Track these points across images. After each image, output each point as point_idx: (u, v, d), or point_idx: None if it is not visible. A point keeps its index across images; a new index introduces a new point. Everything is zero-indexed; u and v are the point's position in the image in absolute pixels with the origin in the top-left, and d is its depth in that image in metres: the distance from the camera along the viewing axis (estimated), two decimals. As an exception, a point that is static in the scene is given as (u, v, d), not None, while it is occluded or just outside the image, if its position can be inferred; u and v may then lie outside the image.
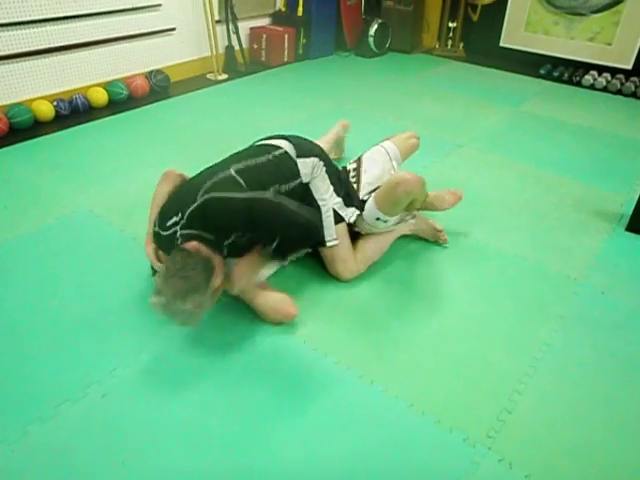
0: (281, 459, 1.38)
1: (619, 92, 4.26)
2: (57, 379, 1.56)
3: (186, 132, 3.22)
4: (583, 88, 4.37)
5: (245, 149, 2.01)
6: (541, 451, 1.43)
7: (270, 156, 1.90)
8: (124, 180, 2.64)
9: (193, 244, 1.61)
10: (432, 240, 2.27)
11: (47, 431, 1.41)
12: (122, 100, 3.60)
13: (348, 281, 2.01)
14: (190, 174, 1.89)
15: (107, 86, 3.55)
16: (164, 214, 1.77)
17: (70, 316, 1.80)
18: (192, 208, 1.65)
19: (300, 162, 1.93)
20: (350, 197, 2.06)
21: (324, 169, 1.99)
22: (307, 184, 1.97)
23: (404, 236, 2.25)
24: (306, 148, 2.00)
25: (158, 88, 3.81)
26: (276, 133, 2.07)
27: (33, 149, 2.93)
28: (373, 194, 2.02)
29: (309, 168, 1.95)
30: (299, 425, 1.47)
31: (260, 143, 2.03)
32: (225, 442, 1.41)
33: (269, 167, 1.87)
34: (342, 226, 2.00)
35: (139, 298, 1.89)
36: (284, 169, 1.90)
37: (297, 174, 1.92)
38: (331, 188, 2.00)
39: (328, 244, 1.97)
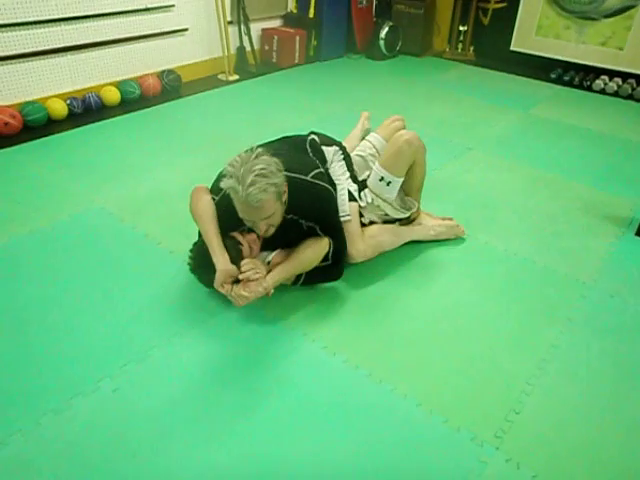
0: (288, 456, 1.39)
1: (630, 97, 4.25)
2: (69, 373, 1.59)
3: (197, 132, 3.24)
4: (594, 93, 4.36)
5: (286, 138, 2.15)
6: (548, 452, 1.43)
7: (312, 148, 2.09)
8: (136, 178, 2.67)
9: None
10: (453, 238, 2.32)
11: (60, 423, 1.44)
12: (134, 99, 3.63)
13: (356, 261, 2.05)
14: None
15: (120, 85, 3.59)
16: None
17: (82, 311, 1.82)
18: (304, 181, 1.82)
19: (325, 149, 2.13)
20: (363, 184, 2.17)
21: (342, 156, 2.16)
22: (327, 169, 2.11)
23: (409, 242, 2.26)
24: (328, 139, 2.21)
25: (170, 88, 3.84)
26: (289, 134, 2.18)
27: (47, 147, 2.97)
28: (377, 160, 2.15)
29: (331, 155, 2.14)
30: (307, 423, 1.48)
31: (288, 135, 2.19)
32: (234, 438, 1.43)
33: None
34: (354, 205, 2.09)
35: (150, 295, 1.91)
36: (322, 157, 2.11)
37: (325, 161, 2.11)
38: (347, 173, 2.14)
39: (341, 219, 2.02)
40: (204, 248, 1.79)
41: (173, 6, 3.83)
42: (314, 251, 1.84)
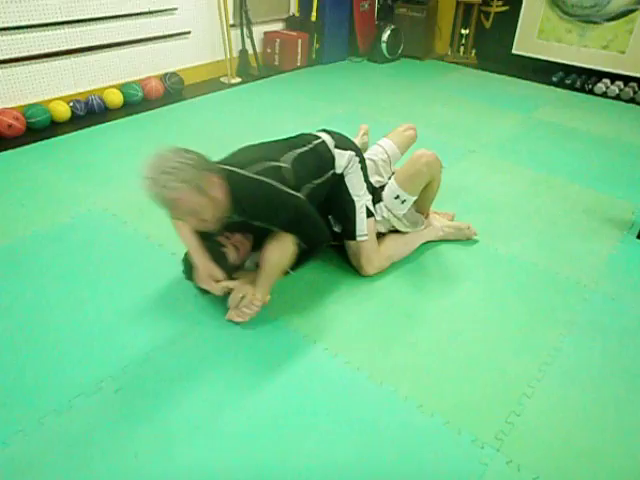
0: (288, 458, 1.39)
1: (632, 100, 4.25)
2: (71, 373, 1.59)
3: (199, 134, 3.25)
4: (595, 96, 4.37)
5: (290, 137, 2.04)
6: (549, 454, 1.43)
7: (311, 145, 1.96)
8: (138, 180, 2.66)
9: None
10: (464, 239, 2.33)
11: (62, 423, 1.44)
12: (137, 101, 3.65)
13: (368, 275, 2.05)
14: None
15: (122, 88, 3.60)
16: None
17: (84, 312, 1.83)
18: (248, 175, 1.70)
19: (337, 153, 2.00)
20: (376, 194, 2.12)
21: (359, 165, 2.05)
22: (340, 175, 2.02)
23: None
24: (344, 141, 2.07)
25: (172, 90, 3.86)
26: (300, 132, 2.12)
27: (50, 149, 2.98)
28: (394, 175, 2.11)
29: (345, 161, 2.01)
30: (308, 424, 1.48)
31: (302, 133, 2.09)
32: (234, 438, 1.43)
33: (308, 159, 1.92)
34: (371, 221, 2.06)
35: (152, 296, 1.92)
36: (319, 160, 1.97)
37: (332, 165, 1.99)
38: (365, 185, 2.06)
39: (358, 239, 2.01)
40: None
41: (176, 9, 3.85)
42: (281, 254, 1.78)
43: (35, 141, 3.04)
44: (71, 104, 3.33)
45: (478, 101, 4.11)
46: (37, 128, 3.16)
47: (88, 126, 3.27)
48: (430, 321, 1.88)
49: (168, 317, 1.83)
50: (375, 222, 2.09)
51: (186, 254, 1.91)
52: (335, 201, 2.04)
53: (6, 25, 3.00)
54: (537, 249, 2.31)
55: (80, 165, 2.81)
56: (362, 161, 2.08)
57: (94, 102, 3.43)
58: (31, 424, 1.43)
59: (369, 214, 2.05)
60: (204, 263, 1.81)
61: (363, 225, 2.02)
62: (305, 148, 1.95)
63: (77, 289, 1.94)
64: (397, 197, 2.05)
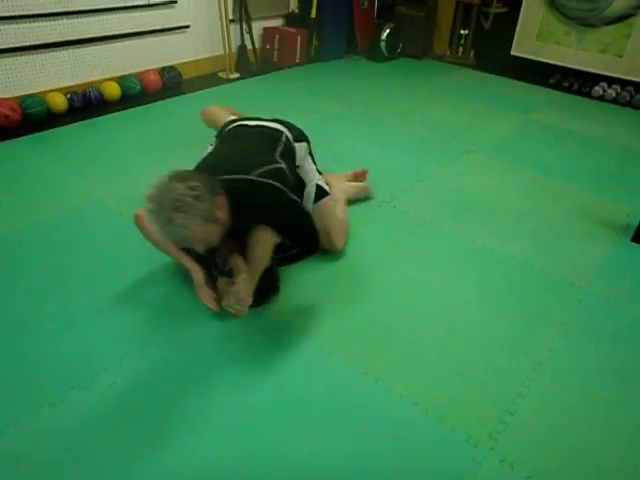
0: (282, 454, 1.40)
1: (628, 104, 4.28)
2: (67, 365, 1.59)
3: (196, 128, 3.22)
4: (592, 99, 4.39)
5: (255, 134, 2.01)
6: (542, 453, 1.44)
7: (283, 140, 1.98)
8: (135, 173, 2.67)
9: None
10: (364, 197, 2.53)
11: (57, 415, 1.44)
12: (135, 95, 3.63)
13: (339, 249, 2.13)
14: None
15: (120, 80, 3.58)
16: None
17: (80, 305, 1.82)
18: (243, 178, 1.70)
19: (297, 146, 2.06)
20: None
21: (309, 151, 2.16)
22: (297, 166, 2.09)
23: (409, 242, 2.27)
24: (298, 132, 2.13)
25: (170, 84, 3.84)
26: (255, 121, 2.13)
27: (46, 140, 2.96)
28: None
29: (303, 152, 2.10)
30: (302, 421, 1.49)
31: (262, 124, 2.07)
32: (229, 434, 1.43)
33: (286, 155, 1.94)
34: (328, 199, 2.14)
35: (149, 289, 1.92)
36: (292, 155, 2.01)
37: (294, 158, 2.04)
38: (314, 167, 2.18)
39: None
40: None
41: (175, 2, 3.83)
42: (262, 247, 1.72)
43: (32, 132, 3.02)
44: (68, 96, 3.31)
45: (476, 102, 4.12)
46: (34, 119, 3.14)
47: (85, 118, 3.26)
48: (426, 320, 1.88)
49: (164, 311, 1.83)
50: (331, 199, 2.17)
51: None
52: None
53: (4, 15, 2.98)
54: (533, 250, 2.32)
55: (77, 157, 2.79)
56: (310, 146, 2.19)
57: (92, 94, 3.41)
58: (25, 417, 1.43)
59: (324, 193, 2.13)
60: (200, 280, 1.82)
61: (310, 204, 2.10)
62: (281, 145, 1.94)
63: (73, 281, 1.93)
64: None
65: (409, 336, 1.81)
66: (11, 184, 2.50)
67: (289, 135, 2.04)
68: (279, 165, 1.82)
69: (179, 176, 1.55)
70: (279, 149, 1.92)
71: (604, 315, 1.97)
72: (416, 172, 2.93)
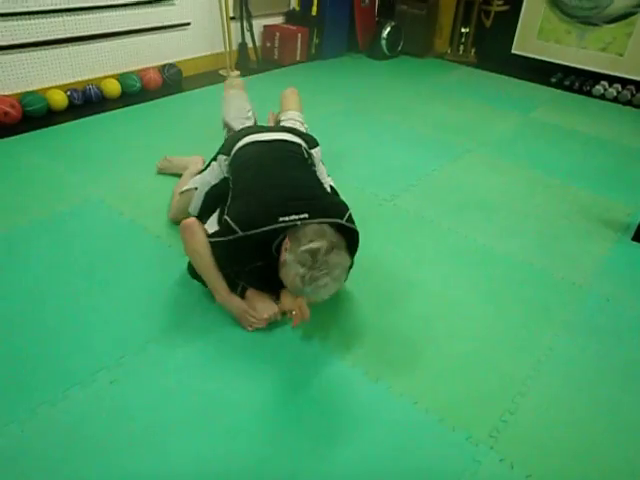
0: (282, 453, 1.40)
1: (629, 103, 4.27)
2: (66, 364, 1.58)
3: (197, 126, 3.24)
4: (593, 98, 4.38)
5: (286, 158, 1.96)
6: (542, 453, 1.44)
7: (310, 161, 2.04)
8: (135, 171, 2.67)
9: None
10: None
11: (56, 413, 1.43)
12: (135, 92, 3.62)
13: None
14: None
15: (120, 78, 3.57)
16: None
17: (79, 302, 1.82)
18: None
19: (313, 152, 2.12)
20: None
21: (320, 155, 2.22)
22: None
23: (409, 241, 2.26)
24: (309, 138, 2.18)
25: (170, 82, 3.84)
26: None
27: (46, 137, 2.95)
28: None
29: (318, 157, 2.16)
30: (301, 420, 1.49)
31: (279, 139, 2.03)
32: (228, 433, 1.43)
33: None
34: None
35: (149, 288, 1.91)
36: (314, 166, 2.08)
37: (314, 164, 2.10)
38: (324, 169, 2.20)
39: None
40: None
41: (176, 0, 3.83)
42: None
43: (32, 129, 3.01)
44: (68, 93, 3.30)
45: (477, 100, 4.12)
46: (34, 116, 3.13)
47: (85, 115, 3.25)
48: (426, 319, 1.88)
49: (164, 308, 1.83)
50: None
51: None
52: None
53: (4, 11, 2.97)
54: (533, 249, 2.32)
55: (77, 154, 2.79)
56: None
57: (92, 91, 3.40)
58: (25, 414, 1.43)
59: (336, 194, 2.17)
60: (241, 304, 1.77)
61: None
62: (309, 161, 2.03)
63: (73, 279, 1.92)
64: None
65: (409, 335, 1.80)
66: (10, 181, 2.49)
67: (305, 145, 2.07)
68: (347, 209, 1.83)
69: (320, 230, 1.59)
70: (312, 169, 2.01)
71: (604, 314, 1.97)
72: (416, 170, 2.92)
